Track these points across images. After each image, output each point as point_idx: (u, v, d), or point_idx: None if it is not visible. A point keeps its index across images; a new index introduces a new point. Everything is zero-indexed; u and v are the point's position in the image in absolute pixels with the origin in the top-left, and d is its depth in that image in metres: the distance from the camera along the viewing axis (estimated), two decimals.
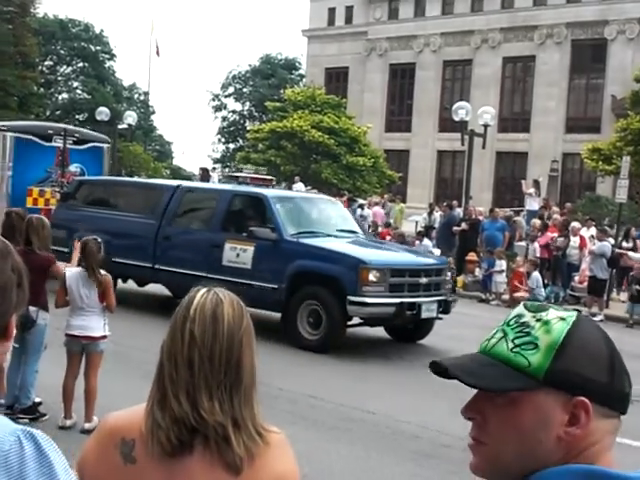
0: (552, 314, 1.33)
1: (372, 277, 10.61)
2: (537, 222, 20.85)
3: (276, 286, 11.21)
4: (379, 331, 12.06)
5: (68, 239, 12.35)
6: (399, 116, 44.77)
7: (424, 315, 11.10)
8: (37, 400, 7.25)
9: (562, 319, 1.32)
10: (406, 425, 7.81)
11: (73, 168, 16.71)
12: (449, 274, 12.57)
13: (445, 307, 11.49)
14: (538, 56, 39.95)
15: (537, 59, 40.10)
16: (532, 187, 26.50)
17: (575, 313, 1.35)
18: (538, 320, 1.33)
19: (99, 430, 2.02)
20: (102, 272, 7.11)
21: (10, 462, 1.45)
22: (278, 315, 11.65)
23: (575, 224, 19.41)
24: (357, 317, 11.16)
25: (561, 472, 1.29)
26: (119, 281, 13.00)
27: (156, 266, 12.75)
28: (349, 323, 11.17)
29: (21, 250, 7.15)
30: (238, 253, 11.62)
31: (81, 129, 17.78)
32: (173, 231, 12.80)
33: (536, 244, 19.04)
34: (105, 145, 18.35)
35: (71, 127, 17.55)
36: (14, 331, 1.62)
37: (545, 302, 1.40)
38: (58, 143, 16.43)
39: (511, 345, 1.33)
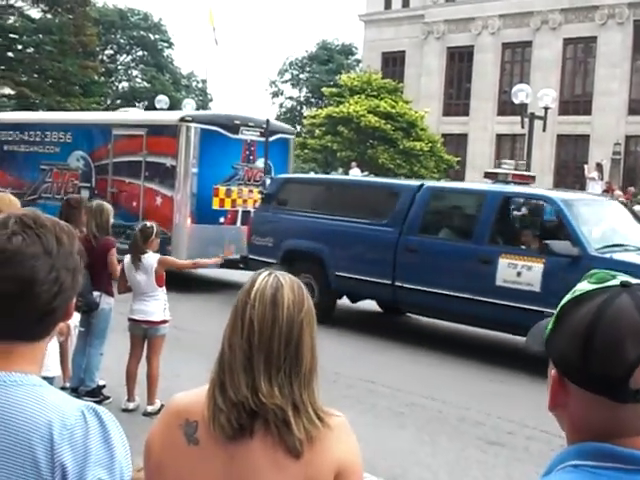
0: (581, 285, 1.32)
1: None
2: None
3: None
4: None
5: (275, 249, 11.84)
6: (457, 100, 44.25)
7: None
8: (101, 383, 7.40)
9: (573, 292, 1.32)
10: (467, 411, 7.76)
11: (260, 164, 14.56)
12: None
13: None
14: (599, 37, 39.04)
15: (598, 40, 39.17)
16: (594, 171, 26.00)
17: (593, 287, 1.29)
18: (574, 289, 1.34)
19: (165, 411, 2.05)
20: (155, 257, 7.19)
21: (75, 436, 1.48)
22: (342, 301, 11.56)
23: (638, 208, 18.99)
24: None
25: (570, 451, 1.30)
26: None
27: (397, 283, 10.61)
28: None
29: (82, 236, 7.29)
30: (520, 271, 9.42)
31: (269, 119, 15.57)
32: (419, 241, 10.52)
33: None
34: (291, 136, 16.34)
35: (258, 117, 15.49)
36: (73, 311, 1.65)
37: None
38: (245, 135, 14.32)
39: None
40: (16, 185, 16.27)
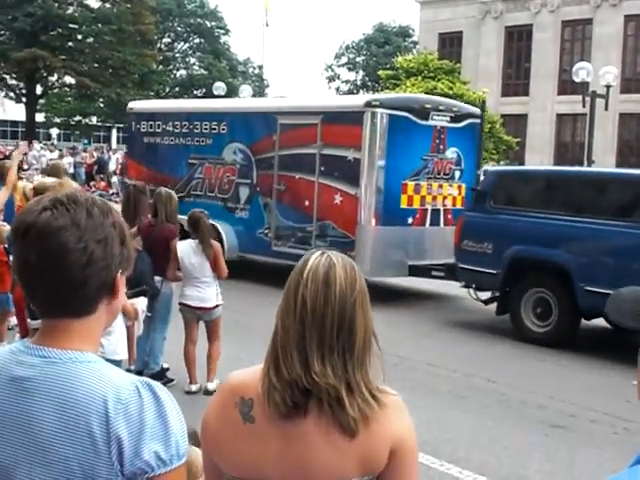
0: None
1: None
2: None
3: None
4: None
5: (495, 257, 10.05)
6: (516, 80, 43.56)
7: None
8: (165, 366, 7.53)
9: None
10: (530, 395, 7.68)
11: (450, 154, 12.57)
12: None
13: None
14: None
15: None
16: None
17: None
18: None
19: (221, 389, 2.07)
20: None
21: (130, 411, 1.51)
22: (399, 282, 11.34)
23: None
24: None
25: None
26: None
27: None
28: None
29: (147, 222, 7.41)
30: None
31: (457, 102, 13.58)
32: None
33: None
34: (479, 120, 14.11)
35: (447, 100, 13.74)
36: (123, 291, 1.68)
37: None
38: (435, 121, 12.33)
39: None
40: (159, 181, 14.02)
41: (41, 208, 1.59)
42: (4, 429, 1.57)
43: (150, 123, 15.32)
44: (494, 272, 10.06)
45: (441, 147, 12.41)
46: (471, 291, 10.86)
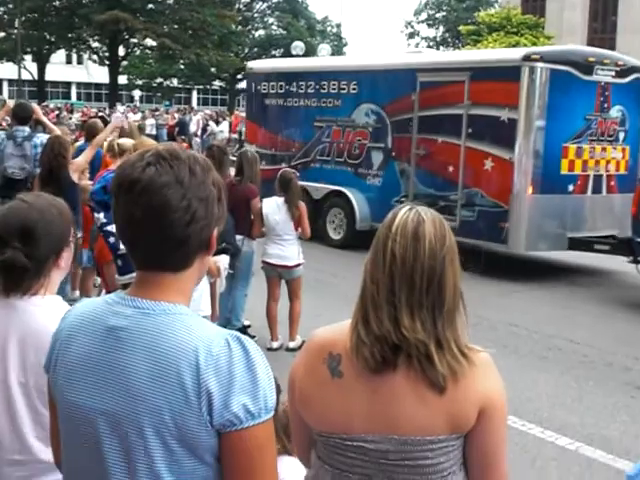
0: None
1: None
2: None
3: None
4: (587, 259, 11.58)
5: None
6: (602, 34, 42.13)
7: None
8: (246, 323, 7.65)
9: None
10: (614, 356, 7.54)
11: (614, 113, 11.30)
12: None
13: None
14: None
15: None
16: None
17: None
18: None
19: (308, 345, 2.08)
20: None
21: (220, 363, 1.53)
22: (473, 241, 10.76)
23: None
24: None
25: None
26: None
27: None
28: None
29: (230, 181, 7.48)
30: None
31: (623, 56, 12.18)
32: None
33: None
34: None
35: (612, 52, 12.53)
36: (215, 245, 1.70)
37: None
38: (599, 76, 11.03)
39: None
40: (281, 146, 14.04)
41: (145, 164, 1.61)
42: (100, 377, 1.61)
43: (272, 84, 14.35)
44: None
45: (605, 105, 11.15)
46: None
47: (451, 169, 11.26)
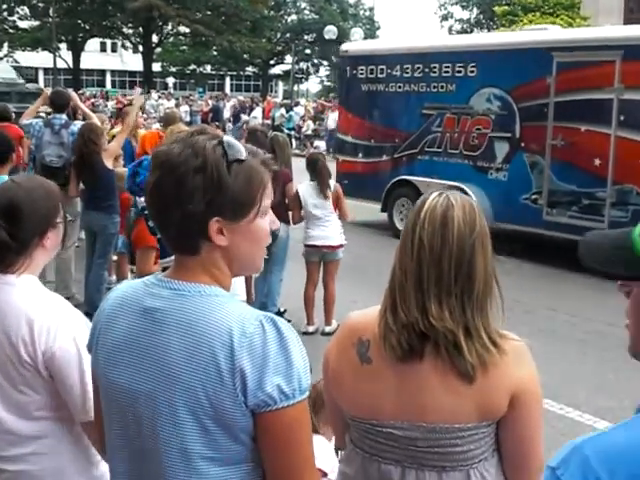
0: None
1: None
2: None
3: None
4: None
5: None
6: (638, 14, 41.44)
7: None
8: (282, 309, 7.68)
9: None
10: None
11: None
12: None
13: None
14: None
15: None
16: None
17: None
18: None
19: (340, 329, 2.09)
20: (332, 183, 7.41)
21: (254, 344, 1.54)
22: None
23: None
24: None
25: None
26: None
27: None
28: None
29: None
30: None
31: None
32: None
33: None
34: None
35: None
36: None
37: None
38: None
39: None
40: (381, 136, 12.83)
41: (173, 147, 1.65)
42: (138, 358, 1.64)
43: (371, 67, 12.99)
44: None
45: None
46: None
47: (598, 162, 9.96)
